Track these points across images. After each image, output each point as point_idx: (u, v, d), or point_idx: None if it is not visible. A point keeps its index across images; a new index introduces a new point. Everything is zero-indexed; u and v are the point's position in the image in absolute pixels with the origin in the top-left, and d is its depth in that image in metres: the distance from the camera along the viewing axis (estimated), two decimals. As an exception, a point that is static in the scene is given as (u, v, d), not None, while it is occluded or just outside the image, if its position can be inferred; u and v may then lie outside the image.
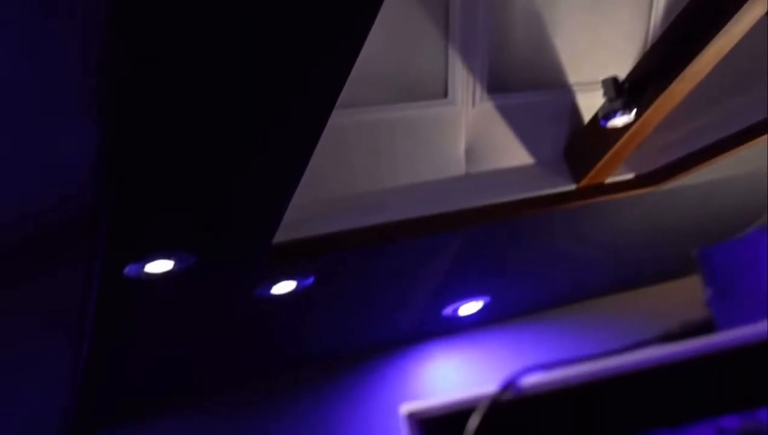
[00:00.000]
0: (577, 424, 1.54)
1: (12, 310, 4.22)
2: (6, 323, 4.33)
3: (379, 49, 3.75)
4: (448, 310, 5.46)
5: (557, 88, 4.30)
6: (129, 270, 3.95)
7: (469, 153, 4.40)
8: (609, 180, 4.57)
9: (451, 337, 5.67)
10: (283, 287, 4.58)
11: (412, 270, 4.84)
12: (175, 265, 4.03)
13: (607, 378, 1.52)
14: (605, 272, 5.64)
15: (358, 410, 5.98)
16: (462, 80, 4.08)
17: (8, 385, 5.01)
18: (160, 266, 4.01)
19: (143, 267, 3.97)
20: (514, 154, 4.47)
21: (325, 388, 6.02)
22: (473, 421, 1.46)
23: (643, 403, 1.53)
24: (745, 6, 3.36)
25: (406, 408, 1.52)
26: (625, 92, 3.99)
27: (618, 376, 1.52)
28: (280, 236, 4.13)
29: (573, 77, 4.27)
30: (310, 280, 4.57)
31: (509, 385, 1.50)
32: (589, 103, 4.32)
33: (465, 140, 4.36)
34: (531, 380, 1.52)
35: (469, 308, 5.50)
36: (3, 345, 4.51)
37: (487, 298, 5.45)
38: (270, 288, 4.54)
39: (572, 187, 4.54)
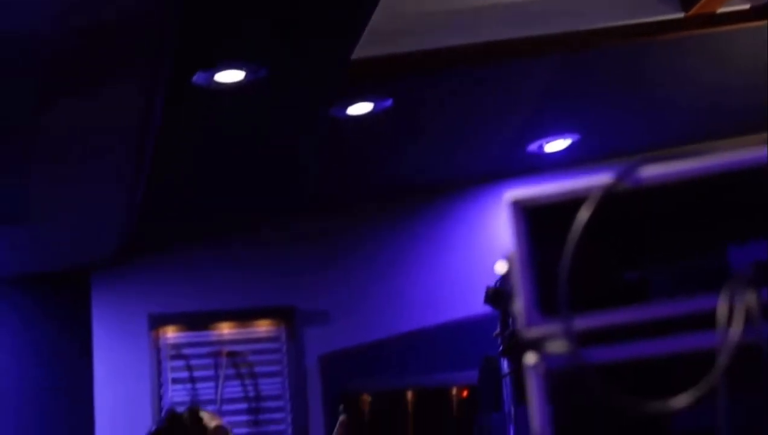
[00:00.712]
0: (687, 220, 1.54)
1: (74, 122, 4.28)
2: (68, 134, 4.39)
3: None
4: (533, 146, 5.43)
5: None
6: (198, 78, 3.97)
7: (570, -29, 4.31)
8: (721, 9, 4.44)
9: (534, 176, 5.65)
10: (360, 109, 4.57)
11: (499, 98, 4.80)
12: (246, 76, 4.04)
13: (725, 173, 1.51)
14: (706, 117, 5.54)
15: (435, 245, 6.06)
16: None
17: (68, 198, 5.12)
18: (230, 76, 4.03)
19: (213, 75, 3.99)
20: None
21: (400, 222, 6.10)
22: (584, 213, 1.46)
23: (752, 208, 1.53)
24: None
25: (511, 195, 1.53)
26: None
27: (737, 171, 1.51)
28: (359, 52, 4.11)
29: None
30: (389, 102, 4.55)
31: (624, 175, 1.50)
32: None
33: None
34: (648, 171, 1.51)
35: (556, 145, 5.46)
36: (63, 155, 4.59)
37: (576, 136, 5.40)
38: (345, 108, 4.54)
39: (680, 15, 4.43)
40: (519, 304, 1.51)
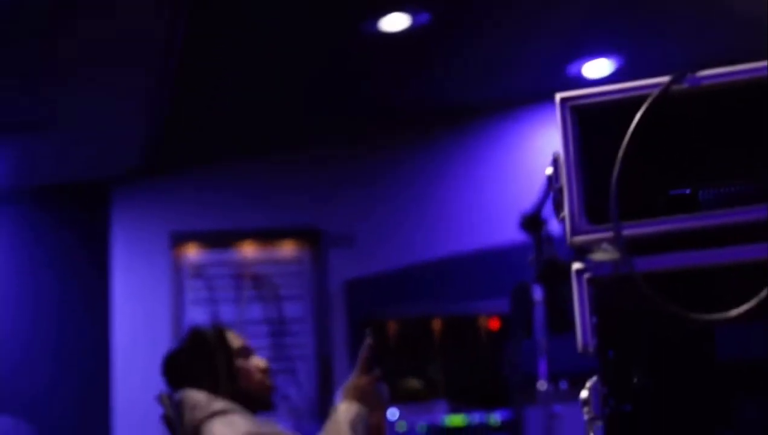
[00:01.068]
0: (745, 124, 1.52)
1: (97, 29, 4.26)
2: (90, 41, 4.38)
3: None
4: (573, 68, 5.38)
5: None
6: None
7: None
8: None
9: (574, 99, 5.59)
10: (395, 24, 4.53)
11: (538, 13, 4.75)
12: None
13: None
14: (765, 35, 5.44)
15: (469, 170, 6.05)
16: None
17: (89, 108, 5.12)
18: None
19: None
20: None
21: (434, 145, 6.08)
22: (638, 115, 1.44)
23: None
24: None
25: (562, 95, 1.51)
26: None
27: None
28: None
29: None
30: (425, 17, 4.51)
31: (681, 77, 1.48)
32: None
33: None
34: (706, 74, 1.49)
35: (597, 67, 5.41)
36: (85, 63, 4.59)
37: (619, 58, 5.34)
38: (380, 22, 4.50)
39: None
40: (566, 211, 1.50)
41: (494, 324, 5.78)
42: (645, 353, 1.51)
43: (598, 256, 1.47)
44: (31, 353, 5.96)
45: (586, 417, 1.45)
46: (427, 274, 5.91)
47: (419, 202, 6.07)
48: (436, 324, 5.83)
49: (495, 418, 5.36)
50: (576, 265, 1.48)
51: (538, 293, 4.01)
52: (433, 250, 5.95)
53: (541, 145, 5.71)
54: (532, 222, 3.76)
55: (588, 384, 1.45)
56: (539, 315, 4.00)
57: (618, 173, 1.44)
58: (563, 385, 3.51)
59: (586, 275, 1.48)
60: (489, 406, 5.46)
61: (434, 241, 5.99)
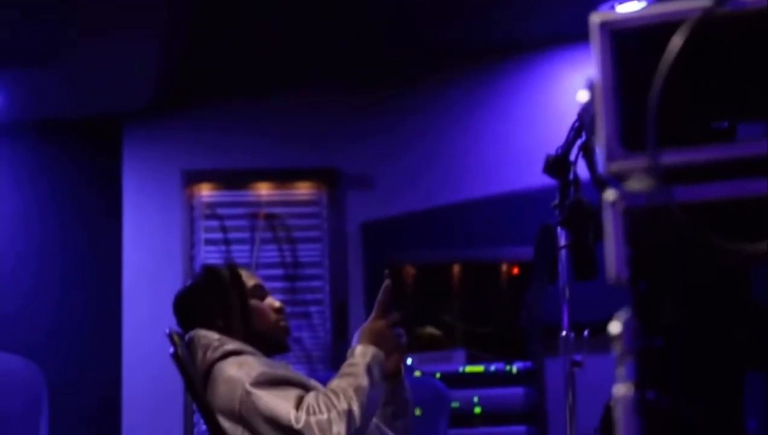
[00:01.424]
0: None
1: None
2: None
3: None
4: (605, 7, 5.33)
5: None
6: None
7: None
8: None
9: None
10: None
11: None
12: None
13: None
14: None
15: (493, 112, 6.03)
16: None
17: (100, 40, 5.10)
18: None
19: None
20: None
21: (457, 86, 6.06)
22: (678, 38, 1.42)
23: None
24: None
25: (598, 16, 1.49)
26: None
27: None
28: None
29: None
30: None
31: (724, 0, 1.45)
32: None
33: None
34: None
35: (629, 7, 5.36)
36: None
37: (652, -2, 5.30)
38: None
39: None
40: (600, 137, 1.49)
41: (515, 272, 5.77)
42: (678, 288, 1.51)
43: (634, 184, 1.46)
44: (39, 294, 5.98)
45: (616, 352, 1.45)
46: (447, 218, 5.89)
47: (441, 143, 6.05)
48: (456, 270, 5.82)
49: (514, 368, 5.37)
50: (610, 194, 1.47)
51: (563, 238, 3.99)
52: (454, 193, 5.94)
53: (570, 88, 5.66)
54: (558, 164, 3.73)
55: (619, 317, 1.45)
56: (563, 262, 3.98)
57: (656, 98, 1.42)
58: (585, 335, 3.49)
59: (621, 205, 1.47)
60: (508, 355, 5.47)
61: (456, 183, 5.97)
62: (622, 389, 1.42)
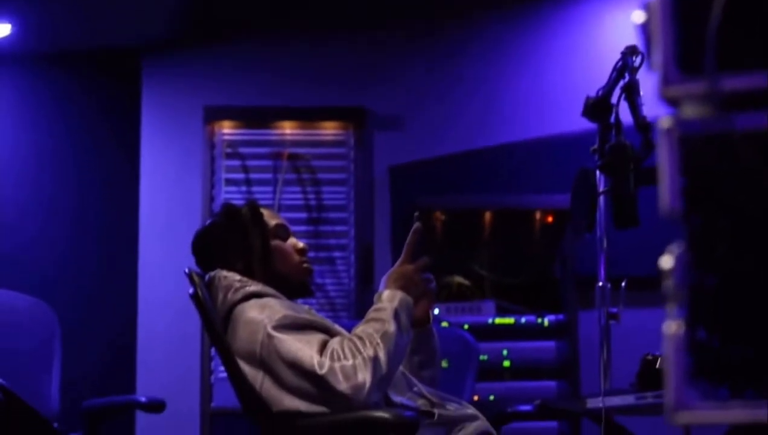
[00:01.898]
0: None
1: None
2: None
3: None
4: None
5: None
6: None
7: None
8: None
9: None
10: None
11: None
12: None
13: None
14: None
15: (530, 53, 5.99)
16: None
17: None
18: None
19: None
20: None
21: (493, 25, 6.04)
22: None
23: None
24: None
25: None
26: None
27: None
28: None
29: None
30: None
31: None
32: None
33: None
34: None
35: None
36: None
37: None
38: None
39: None
40: (657, 59, 1.45)
41: (550, 220, 5.73)
42: (734, 223, 1.47)
43: (690, 111, 1.43)
44: (52, 231, 6.00)
45: (667, 288, 1.42)
46: (479, 162, 5.86)
47: (476, 85, 6.01)
48: (487, 217, 5.79)
49: (546, 320, 5.35)
50: (665, 121, 1.43)
51: (602, 183, 3.95)
52: (487, 137, 5.90)
53: (612, 27, 5.61)
54: (599, 106, 3.69)
55: (672, 251, 1.41)
56: (602, 208, 3.95)
57: (716, 19, 1.38)
58: (623, 286, 3.47)
59: (676, 132, 1.44)
60: (540, 308, 5.46)
61: (489, 127, 5.93)
62: (672, 327, 1.39)
